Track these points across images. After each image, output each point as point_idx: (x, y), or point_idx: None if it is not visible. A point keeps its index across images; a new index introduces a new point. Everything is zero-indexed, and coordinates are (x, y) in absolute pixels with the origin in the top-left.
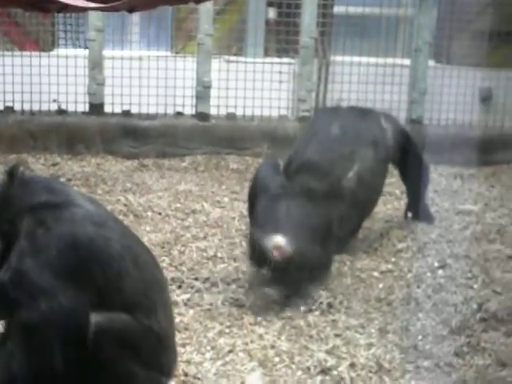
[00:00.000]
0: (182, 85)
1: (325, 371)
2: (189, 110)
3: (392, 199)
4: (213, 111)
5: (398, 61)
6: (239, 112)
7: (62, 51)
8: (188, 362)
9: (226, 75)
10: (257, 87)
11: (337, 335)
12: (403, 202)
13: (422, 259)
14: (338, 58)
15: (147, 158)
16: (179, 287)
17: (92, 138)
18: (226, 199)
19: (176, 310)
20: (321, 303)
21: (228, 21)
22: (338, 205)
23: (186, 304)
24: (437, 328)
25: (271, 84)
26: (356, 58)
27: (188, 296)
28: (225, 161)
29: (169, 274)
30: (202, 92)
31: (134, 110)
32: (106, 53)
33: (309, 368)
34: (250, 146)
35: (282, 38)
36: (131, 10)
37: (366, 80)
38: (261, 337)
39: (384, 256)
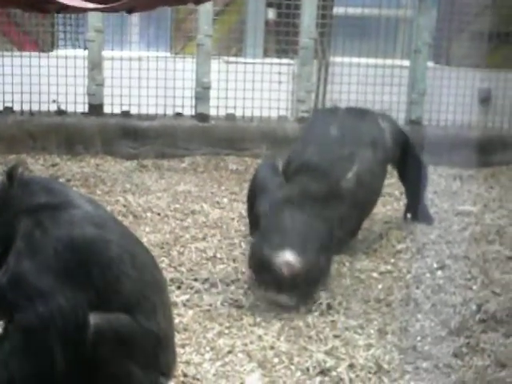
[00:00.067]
0: (181, 85)
1: (324, 372)
2: (188, 111)
3: (391, 200)
4: (212, 112)
5: (398, 62)
6: (239, 113)
7: (61, 52)
8: (187, 362)
9: (225, 76)
10: (256, 88)
11: (336, 336)
12: (402, 202)
13: (421, 260)
14: (338, 59)
15: (146, 158)
16: (178, 288)
17: (91, 139)
18: (225, 200)
19: (175, 311)
20: (320, 304)
21: (227, 22)
22: (337, 206)
23: (185, 305)
24: (436, 329)
25: (270, 85)
26: (355, 59)
27: (187, 297)
28: (224, 161)
29: (168, 274)
30: (202, 93)
31: (134, 110)
32: (106, 53)
33: (308, 369)
34: (249, 146)
35: (281, 38)
36: (130, 11)
37: (366, 81)
38: (260, 338)
39: (383, 257)
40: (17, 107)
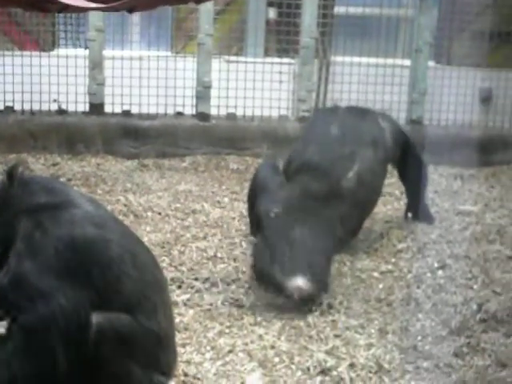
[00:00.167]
0: (182, 85)
1: (324, 371)
2: (189, 110)
3: (392, 200)
4: (213, 111)
5: (399, 61)
6: (239, 112)
7: (62, 51)
8: (188, 362)
9: (226, 75)
10: (257, 87)
11: (336, 336)
12: (403, 202)
13: (421, 260)
14: (339, 59)
15: (147, 158)
16: (179, 287)
17: (92, 138)
18: (226, 199)
19: (176, 310)
20: (320, 303)
21: (228, 21)
22: (338, 205)
23: (185, 304)
24: (436, 328)
25: (271, 84)
26: (356, 59)
27: (188, 296)
28: (225, 161)
29: (169, 274)
30: (202, 92)
31: (134, 110)
32: (107, 53)
33: (308, 368)
34: (250, 146)
35: (282, 38)
36: (131, 10)
37: (367, 80)
38: (261, 337)
39: (384, 256)
40: (18, 106)
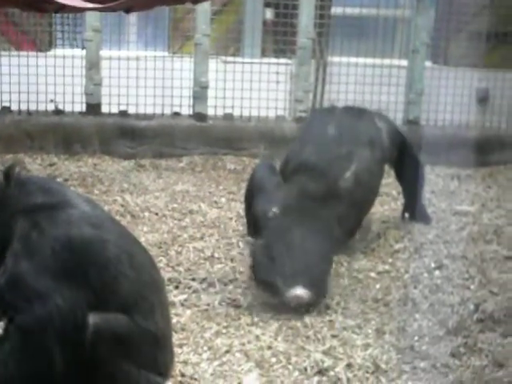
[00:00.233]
0: (179, 85)
1: (322, 372)
2: (186, 111)
3: (389, 200)
4: (210, 112)
5: (396, 62)
6: (236, 112)
7: (59, 51)
8: (185, 362)
9: (223, 75)
10: (254, 88)
11: (334, 336)
12: (400, 202)
13: (418, 260)
14: (336, 59)
15: (144, 158)
16: (176, 288)
17: (89, 138)
18: (223, 200)
19: (173, 311)
20: (318, 304)
21: (225, 21)
22: (335, 205)
23: (183, 304)
24: (433, 329)
25: (268, 84)
26: (353, 59)
27: (185, 296)
28: (222, 161)
29: (166, 274)
30: (199, 92)
31: (131, 110)
32: (104, 53)
33: (306, 369)
34: (247, 146)
35: (279, 38)
36: (128, 10)
37: (363, 81)
38: (258, 337)
39: (381, 256)
40: (14, 107)
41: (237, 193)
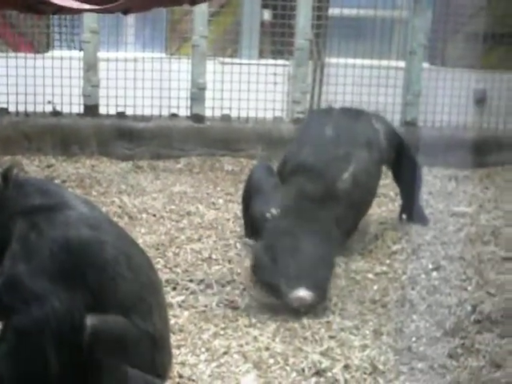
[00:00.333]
0: (176, 86)
1: (319, 373)
2: (183, 112)
3: (386, 201)
4: (208, 113)
5: (393, 63)
6: (234, 114)
7: (56, 53)
8: (183, 363)
9: (220, 77)
10: (251, 89)
11: (331, 337)
12: (397, 203)
13: (416, 261)
14: (333, 60)
15: (142, 159)
16: (174, 289)
17: (87, 140)
18: (220, 201)
19: (171, 312)
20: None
21: (223, 23)
22: (333, 206)
23: (180, 306)
24: (431, 330)
25: (266, 86)
26: (351, 60)
27: (183, 298)
28: (219, 162)
29: (163, 275)
30: (197, 94)
31: (129, 111)
32: (101, 54)
33: (303, 370)
34: (244, 147)
35: (276, 39)
36: (126, 12)
37: (361, 82)
38: (255, 339)
39: (379, 258)
40: (12, 108)
41: (234, 194)
